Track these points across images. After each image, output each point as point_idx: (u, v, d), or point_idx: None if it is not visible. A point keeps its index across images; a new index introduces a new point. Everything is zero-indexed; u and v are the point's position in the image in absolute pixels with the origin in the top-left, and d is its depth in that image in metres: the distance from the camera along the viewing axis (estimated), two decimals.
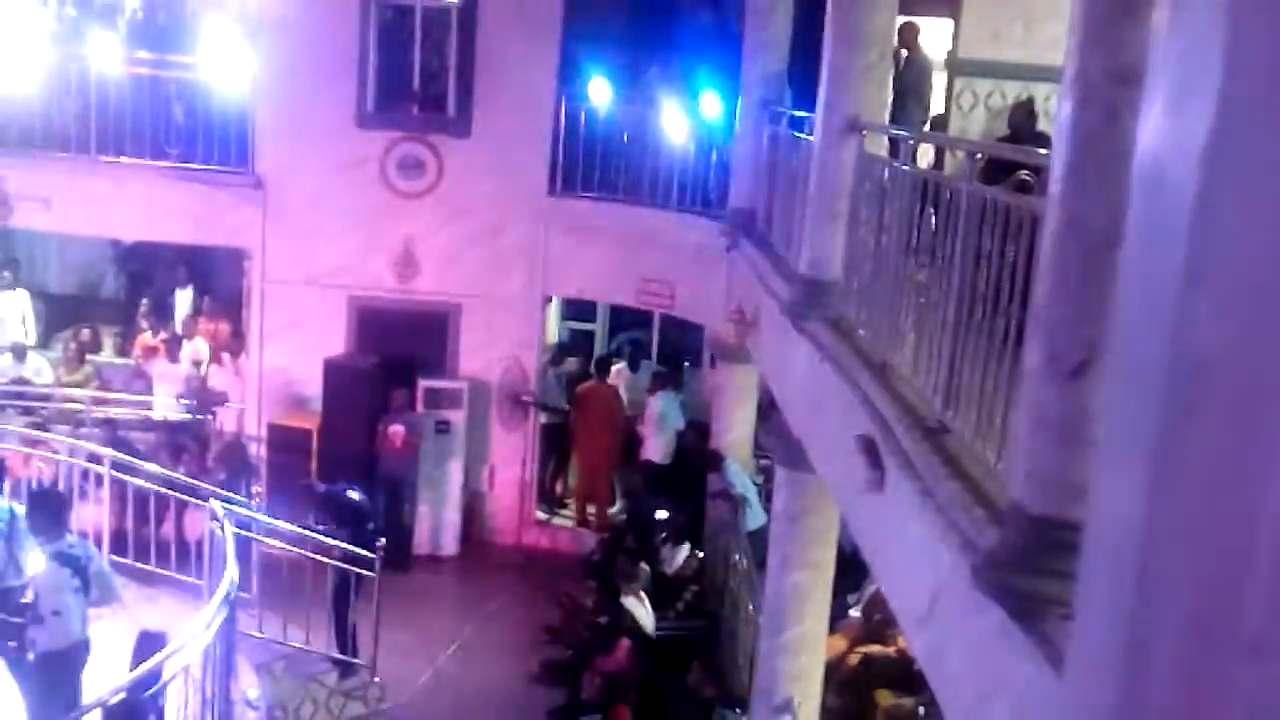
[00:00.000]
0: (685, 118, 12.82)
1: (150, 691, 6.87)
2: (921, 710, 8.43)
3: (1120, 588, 2.24)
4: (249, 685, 9.43)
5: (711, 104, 12.63)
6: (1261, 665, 1.95)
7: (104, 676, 7.38)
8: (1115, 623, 2.29)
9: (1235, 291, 1.89)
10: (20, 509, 7.75)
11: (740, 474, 11.51)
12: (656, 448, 13.14)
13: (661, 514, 11.88)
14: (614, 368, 14.26)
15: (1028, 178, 5.33)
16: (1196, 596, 2.01)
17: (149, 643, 7.48)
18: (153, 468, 10.90)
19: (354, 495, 10.71)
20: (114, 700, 6.69)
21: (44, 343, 14.44)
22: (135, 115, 12.92)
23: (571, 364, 14.78)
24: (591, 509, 13.77)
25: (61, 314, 15.23)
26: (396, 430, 12.67)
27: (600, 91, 13.26)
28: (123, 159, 13.01)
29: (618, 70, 13.58)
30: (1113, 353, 2.46)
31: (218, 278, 14.85)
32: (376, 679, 10.04)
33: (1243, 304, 1.89)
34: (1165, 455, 2.02)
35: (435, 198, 13.31)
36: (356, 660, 10.18)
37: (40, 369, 13.43)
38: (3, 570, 7.98)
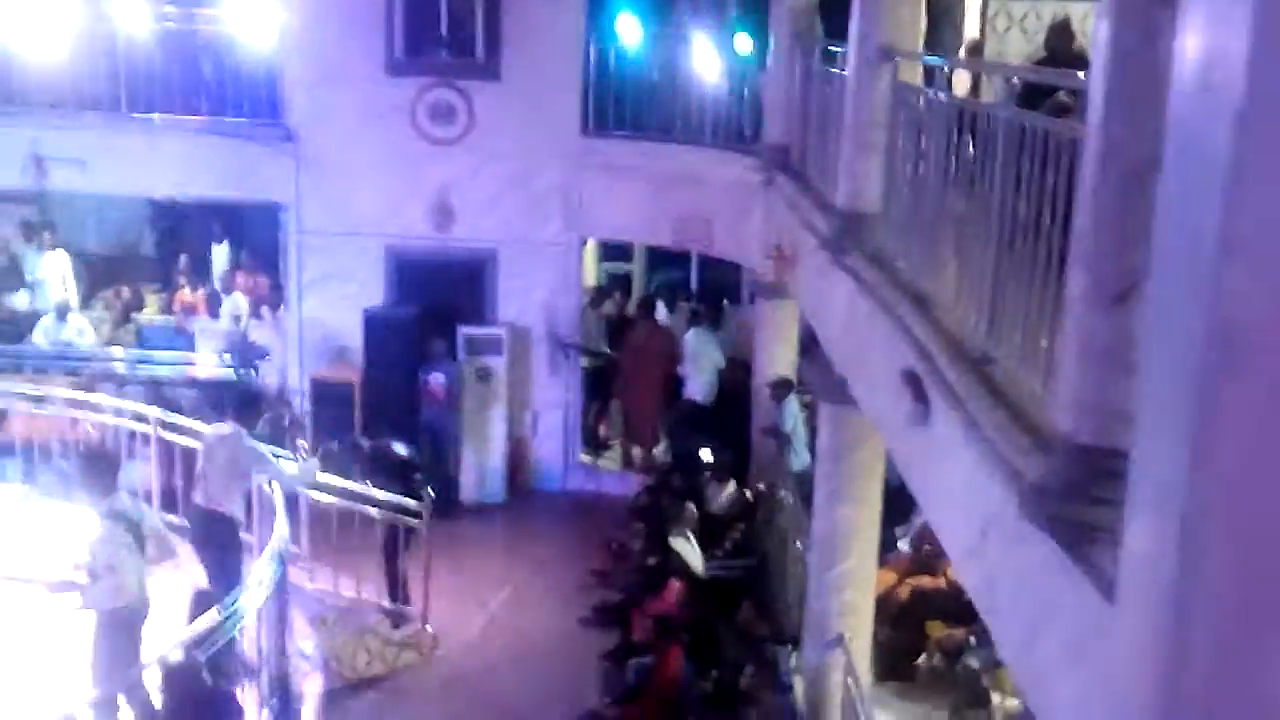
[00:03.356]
0: (716, 53, 12.64)
1: (209, 648, 6.99)
2: (973, 640, 8.44)
3: (1167, 522, 2.21)
4: (303, 638, 9.58)
5: (743, 38, 12.44)
6: None
7: (162, 633, 7.52)
8: (1164, 554, 2.26)
9: (1270, 257, 1.83)
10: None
11: (795, 410, 11.47)
12: (698, 387, 13.11)
13: (706, 453, 11.88)
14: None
15: (1066, 100, 5.20)
16: (1242, 533, 1.98)
17: (204, 599, 7.61)
18: (198, 424, 11.02)
19: (399, 448, 10.79)
20: (172, 658, 6.82)
21: (85, 303, 14.58)
22: (165, 72, 12.94)
23: (610, 306, 14.77)
24: (636, 451, 13.80)
25: (101, 274, 15.36)
26: (438, 380, 12.73)
27: (630, 29, 13.09)
28: (154, 116, 13.05)
29: (647, 7, 13.40)
30: (1153, 291, 2.41)
31: (254, 231, 14.91)
32: (429, 627, 10.16)
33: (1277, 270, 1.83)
34: (1201, 420, 1.98)
35: (467, 143, 13.24)
36: (408, 609, 10.31)
37: (82, 329, 13.57)
38: None
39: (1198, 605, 2.13)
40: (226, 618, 7.24)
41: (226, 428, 8.94)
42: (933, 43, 8.99)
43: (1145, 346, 2.54)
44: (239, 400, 9.55)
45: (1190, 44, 2.13)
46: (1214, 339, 2.00)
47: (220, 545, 8.71)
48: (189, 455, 10.32)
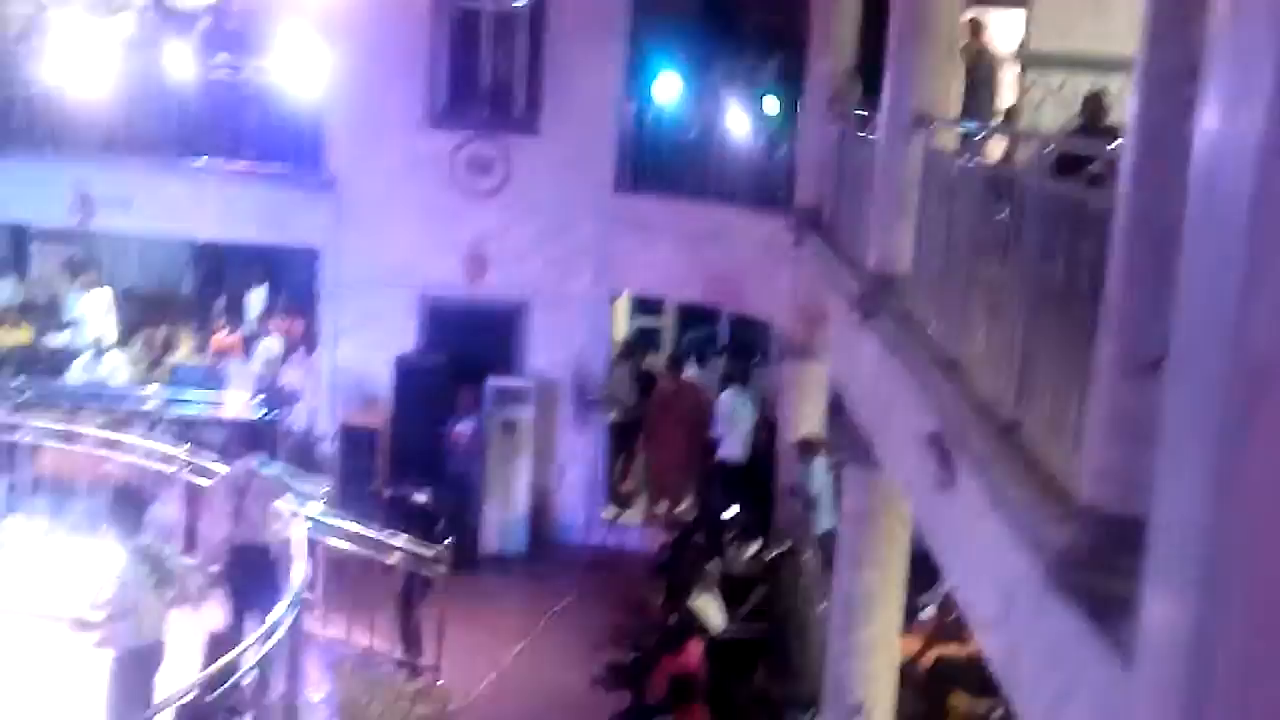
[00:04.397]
0: (751, 114, 12.75)
1: (220, 692, 6.97)
2: (998, 713, 8.30)
3: (1183, 593, 2.19)
4: (316, 686, 9.53)
5: (778, 99, 12.55)
6: None
7: (176, 677, 7.50)
8: (1181, 621, 2.24)
9: None
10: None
11: (822, 472, 11.42)
12: (732, 446, 13.05)
13: (731, 512, 11.82)
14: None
15: (1099, 171, 5.21)
16: (1260, 596, 1.96)
17: (219, 643, 7.60)
18: (225, 468, 11.07)
19: (420, 498, 10.79)
20: (185, 701, 6.80)
21: (123, 341, 14.72)
22: (211, 118, 13.16)
23: (640, 361, 14.79)
24: (661, 507, 13.74)
25: (141, 313, 15.53)
26: (464, 429, 12.75)
27: (667, 89, 13.23)
28: (199, 160, 13.26)
29: (684, 68, 13.56)
30: (1175, 355, 2.41)
31: (291, 276, 15.07)
32: (442, 680, 10.09)
33: None
34: (1227, 458, 1.96)
35: (504, 196, 13.39)
36: (423, 660, 10.25)
37: (116, 369, 13.66)
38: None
39: (1212, 678, 2.10)
40: (241, 663, 7.22)
41: (254, 461, 8.98)
42: (968, 110, 9.05)
43: (1167, 404, 2.53)
44: (253, 438, 9.57)
45: (1207, 125, 2.16)
46: (1237, 384, 1.99)
47: (260, 579, 8.67)
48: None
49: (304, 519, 9.30)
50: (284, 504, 9.11)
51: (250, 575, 8.71)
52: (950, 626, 9.35)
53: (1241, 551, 1.99)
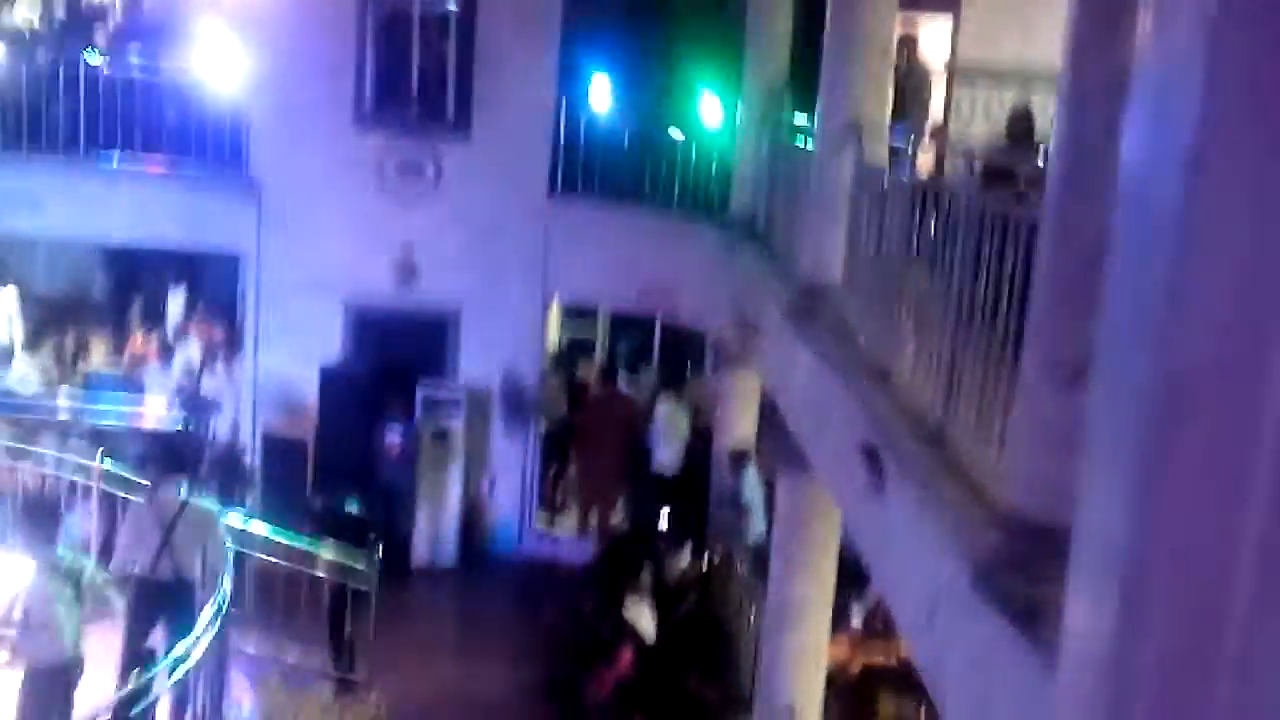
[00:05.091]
0: (686, 122, 12.77)
1: (140, 709, 6.80)
2: (923, 715, 8.37)
3: (1105, 598, 2.21)
4: (242, 700, 9.35)
5: (713, 108, 12.58)
6: (1241, 677, 1.91)
7: (95, 693, 7.31)
8: (1100, 632, 2.26)
9: (1217, 303, 1.86)
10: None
11: (754, 480, 11.44)
12: (666, 456, 13.03)
13: (663, 520, 11.81)
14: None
15: (1025, 189, 5.28)
16: (1180, 603, 1.98)
17: (138, 657, 7.42)
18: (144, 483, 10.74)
19: (351, 508, 10.63)
20: (103, 718, 6.63)
21: (32, 346, 14.24)
22: (127, 117, 12.81)
23: (572, 370, 14.73)
24: (594, 517, 13.69)
25: (50, 317, 15.02)
26: (394, 438, 12.60)
27: (601, 94, 13.20)
28: (114, 161, 12.93)
29: (619, 73, 13.53)
30: (1099, 363, 2.44)
31: (211, 281, 14.71)
32: (375, 692, 9.95)
33: (1224, 316, 1.86)
34: (1149, 466, 1.99)
35: (434, 201, 13.24)
36: (354, 674, 10.10)
37: (25, 377, 13.23)
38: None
39: (1133, 684, 2.11)
40: (158, 677, 7.05)
41: (181, 489, 8.58)
42: (899, 123, 9.14)
43: (1090, 411, 2.56)
44: (173, 456, 9.21)
45: (1134, 139, 2.18)
46: (1159, 391, 2.01)
47: (186, 612, 8.30)
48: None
49: (231, 534, 9.09)
50: (215, 539, 8.71)
51: (168, 608, 8.34)
52: (877, 633, 9.43)
53: (1161, 556, 2.01)
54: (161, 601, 8.27)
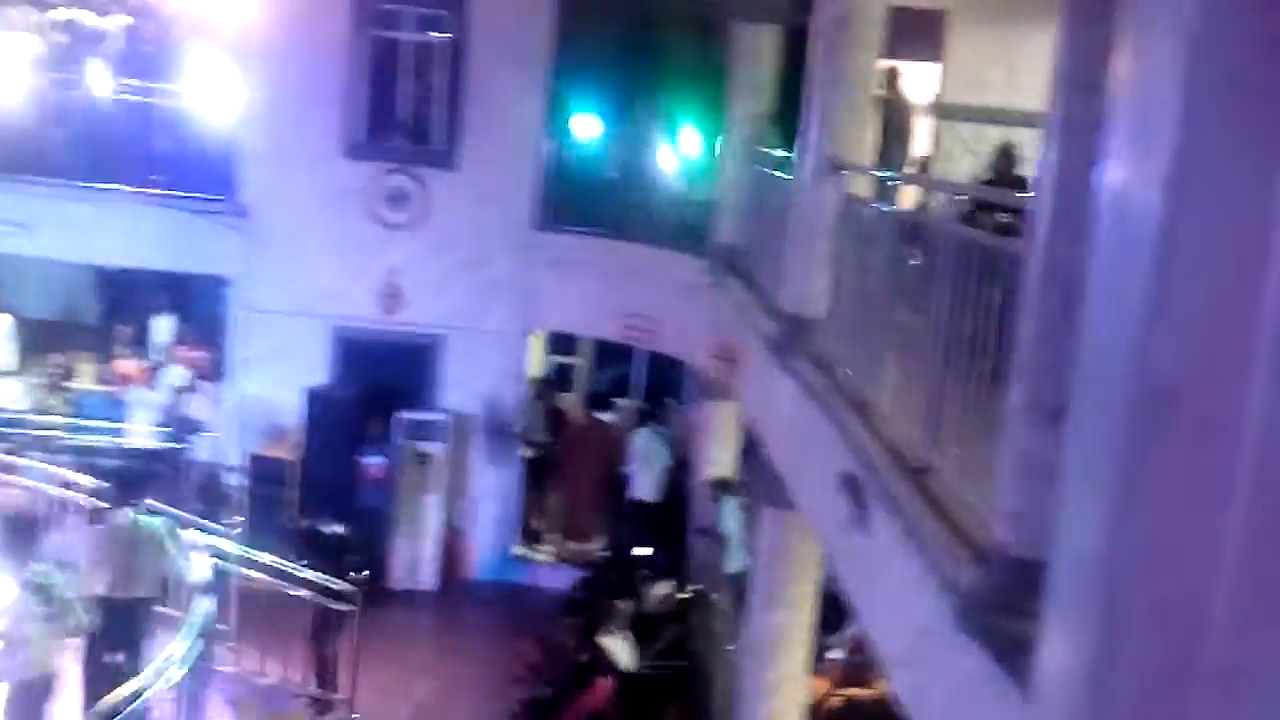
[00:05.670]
0: (671, 154, 12.87)
1: None
2: None
3: (1083, 620, 2.24)
4: (222, 719, 9.30)
5: (697, 141, 12.68)
6: (1220, 695, 1.95)
7: (72, 710, 7.28)
8: (1078, 654, 2.30)
9: (1194, 324, 1.92)
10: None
11: (734, 512, 11.46)
12: (645, 485, 13.07)
13: (643, 551, 11.81)
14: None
15: (1008, 221, 5.35)
16: (1156, 628, 2.02)
17: (115, 674, 7.39)
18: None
19: (334, 530, 10.63)
20: None
21: (21, 368, 14.27)
22: (119, 142, 12.89)
23: (554, 399, 14.75)
24: (573, 545, 13.69)
25: (39, 339, 15.06)
26: (375, 462, 12.61)
27: (587, 127, 13.30)
28: (106, 185, 12.97)
29: (605, 106, 13.64)
30: (1079, 386, 2.49)
31: (198, 305, 14.75)
32: (355, 715, 9.92)
33: (1202, 336, 1.92)
34: (1126, 485, 2.03)
35: (421, 229, 13.31)
36: (335, 696, 10.06)
37: (14, 396, 13.26)
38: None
39: (1110, 706, 2.15)
40: (137, 695, 7.02)
41: (130, 513, 8.70)
42: (883, 159, 9.24)
43: (1068, 441, 2.60)
44: (128, 478, 9.28)
45: (1114, 167, 2.24)
46: (1135, 421, 2.06)
47: (143, 628, 8.41)
48: None
49: (209, 553, 9.09)
50: (168, 555, 8.84)
51: (128, 625, 8.41)
52: (857, 669, 9.42)
53: (1139, 577, 2.05)
54: (122, 620, 8.38)
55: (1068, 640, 2.48)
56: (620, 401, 15.04)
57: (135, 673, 7.62)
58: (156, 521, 8.76)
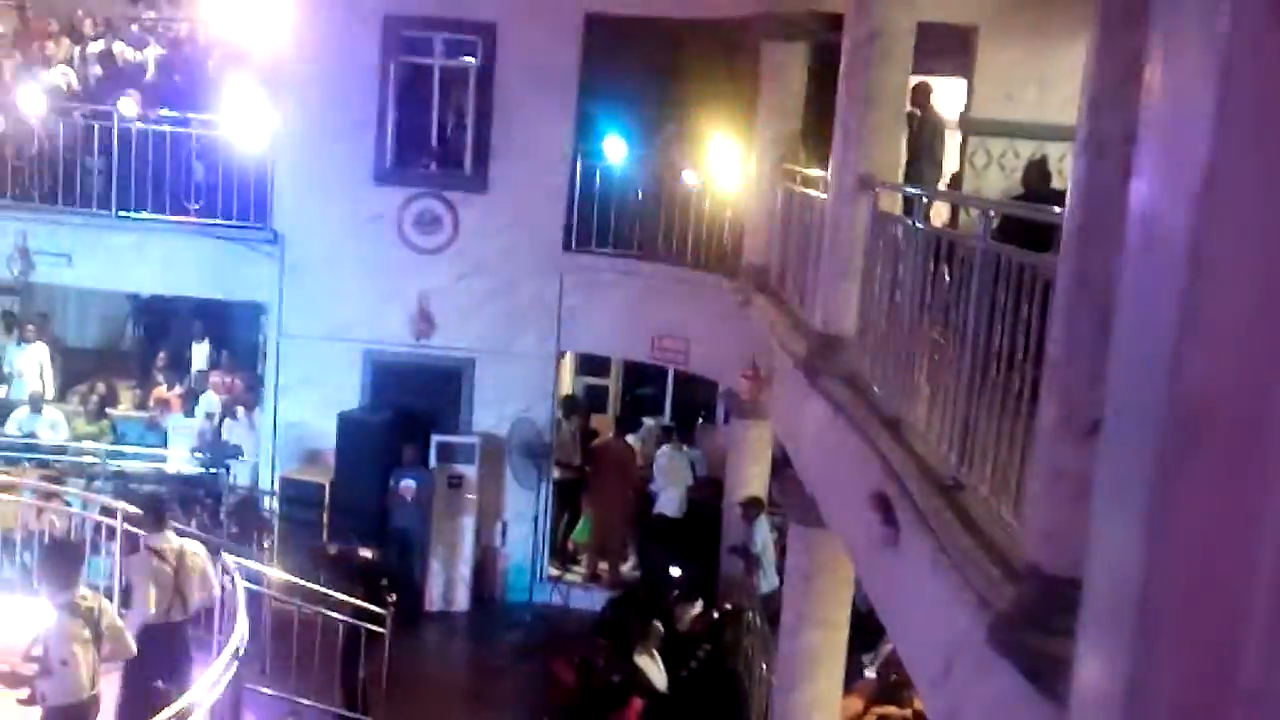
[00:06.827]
0: (700, 174, 12.90)
1: None
2: None
3: (1118, 638, 2.23)
4: None
5: (725, 161, 12.70)
6: (1260, 717, 1.92)
7: None
8: (1113, 673, 2.28)
9: (1229, 335, 1.91)
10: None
11: (765, 531, 11.44)
12: (669, 502, 13.09)
13: (675, 570, 11.80)
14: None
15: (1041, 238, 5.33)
16: (1193, 646, 2.00)
17: (154, 698, 7.43)
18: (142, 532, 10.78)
19: (366, 553, 10.68)
20: None
21: (61, 396, 14.51)
22: (156, 172, 13.09)
23: (585, 420, 14.78)
24: (604, 565, 13.69)
25: (79, 367, 15.32)
26: (408, 485, 12.67)
27: (616, 148, 13.37)
28: (143, 215, 13.15)
29: (633, 127, 13.69)
30: (1112, 401, 2.47)
31: (235, 331, 14.95)
32: None
33: (1237, 347, 1.90)
34: (1161, 503, 2.01)
35: (451, 253, 13.40)
36: (366, 716, 10.08)
37: (55, 423, 13.47)
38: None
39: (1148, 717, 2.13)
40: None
41: (162, 541, 8.76)
42: (912, 176, 9.22)
43: (1100, 457, 2.58)
44: (159, 505, 9.32)
45: (1144, 177, 2.24)
46: (1169, 435, 2.05)
47: (179, 655, 8.46)
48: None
49: (243, 576, 9.14)
50: (212, 572, 8.91)
51: (175, 647, 8.49)
52: (891, 687, 9.36)
53: (1174, 589, 2.03)
54: (163, 644, 8.44)
55: (1103, 659, 2.46)
56: (646, 421, 15.06)
57: (176, 697, 7.66)
58: (195, 545, 8.83)
